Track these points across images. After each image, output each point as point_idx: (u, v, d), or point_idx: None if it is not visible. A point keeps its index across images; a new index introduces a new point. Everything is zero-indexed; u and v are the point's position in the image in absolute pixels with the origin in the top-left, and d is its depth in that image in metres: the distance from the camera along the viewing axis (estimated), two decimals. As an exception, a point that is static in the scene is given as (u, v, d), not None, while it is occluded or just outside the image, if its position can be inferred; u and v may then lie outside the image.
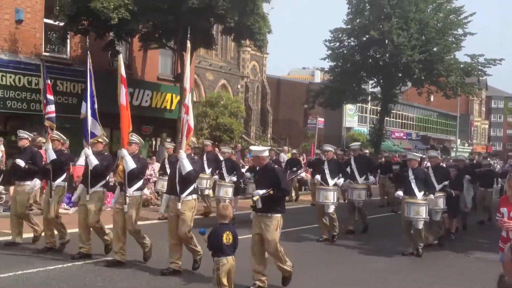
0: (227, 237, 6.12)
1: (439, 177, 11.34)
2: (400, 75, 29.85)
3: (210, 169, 14.10)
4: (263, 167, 7.69)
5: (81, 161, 16.11)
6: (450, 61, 28.83)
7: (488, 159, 21.16)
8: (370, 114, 49.29)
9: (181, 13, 17.75)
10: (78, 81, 19.32)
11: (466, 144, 67.95)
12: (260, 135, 40.30)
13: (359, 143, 14.46)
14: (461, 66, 29.32)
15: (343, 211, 12.71)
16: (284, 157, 21.07)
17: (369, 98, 33.76)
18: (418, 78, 28.77)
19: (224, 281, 6.12)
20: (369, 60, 29.53)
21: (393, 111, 36.90)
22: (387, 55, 27.25)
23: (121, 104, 9.09)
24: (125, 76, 9.13)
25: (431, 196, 10.23)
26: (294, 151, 21.68)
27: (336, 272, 9.01)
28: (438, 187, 11.13)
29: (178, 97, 21.11)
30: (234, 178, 13.61)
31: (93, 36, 17.82)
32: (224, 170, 13.64)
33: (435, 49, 27.82)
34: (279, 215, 7.37)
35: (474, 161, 19.92)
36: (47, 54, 18.57)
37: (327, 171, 11.64)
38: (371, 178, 13.67)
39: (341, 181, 11.88)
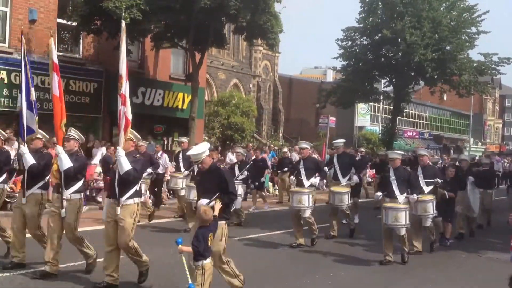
0: (210, 239, 5.88)
1: (429, 178, 10.59)
2: (412, 74, 29.68)
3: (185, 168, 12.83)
4: (207, 169, 6.68)
5: (95, 160, 16.27)
6: (463, 60, 28.59)
7: (494, 158, 20.75)
8: (382, 113, 49.07)
9: (193, 12, 17.82)
10: (91, 80, 19.52)
11: (480, 144, 67.34)
12: (272, 134, 40.29)
13: (343, 140, 12.96)
14: (474, 64, 29.07)
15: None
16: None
17: (382, 97, 33.60)
18: (431, 77, 28.60)
19: (208, 285, 5.86)
20: (381, 59, 29.40)
21: (405, 110, 36.68)
22: (400, 54, 27.12)
23: (54, 95, 7.80)
24: (57, 63, 7.90)
25: (414, 196, 9.49)
26: (285, 149, 20.50)
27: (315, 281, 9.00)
28: (427, 189, 10.46)
29: (190, 96, 21.18)
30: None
31: (105, 35, 17.95)
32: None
33: (448, 47, 27.62)
34: (223, 222, 6.49)
35: (475, 160, 19.19)
36: (60, 53, 18.68)
37: (302, 171, 10.73)
38: (355, 177, 12.18)
39: (317, 180, 10.98)
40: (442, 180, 10.71)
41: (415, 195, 9.51)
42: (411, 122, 56.17)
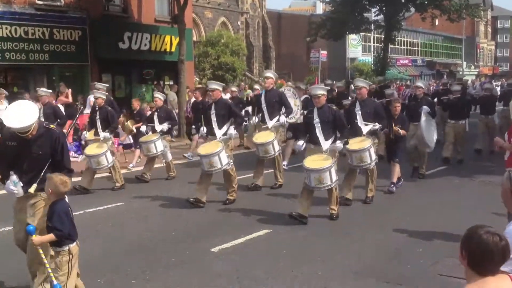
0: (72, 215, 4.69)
1: (368, 116, 8.82)
2: (402, 0, 29.14)
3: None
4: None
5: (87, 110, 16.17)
6: (454, -17, 28.06)
7: (470, 84, 19.54)
8: (374, 43, 48.46)
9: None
10: (75, 28, 19.05)
11: (472, 67, 67.12)
12: (264, 71, 39.91)
13: (274, 74, 10.88)
14: (465, -13, 28.56)
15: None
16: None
17: (372, 26, 33.18)
18: (421, 3, 28.19)
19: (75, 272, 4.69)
20: (370, -13, 28.81)
21: (397, 38, 36.26)
22: (389, -20, 26.54)
23: None
24: None
25: (339, 144, 7.98)
26: (234, 88, 17.82)
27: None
28: (365, 129, 8.72)
29: (177, 39, 20.79)
30: (165, 127, 11.34)
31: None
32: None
33: (437, -30, 27.02)
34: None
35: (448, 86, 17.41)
36: (40, 2, 18.21)
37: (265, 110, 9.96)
38: (282, 118, 10.06)
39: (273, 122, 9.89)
40: (380, 126, 8.86)
41: (338, 142, 7.96)
42: (404, 50, 55.65)
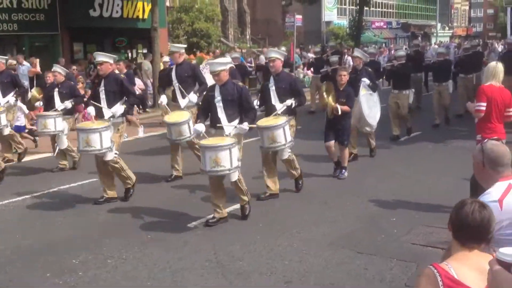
0: None
1: (283, 92, 7.62)
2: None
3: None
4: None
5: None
6: None
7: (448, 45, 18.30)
8: (349, 6, 48.19)
9: None
10: (44, -4, 18.54)
11: (447, 28, 67.32)
12: (239, 36, 39.48)
13: (181, 46, 9.55)
14: None
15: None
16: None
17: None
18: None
19: None
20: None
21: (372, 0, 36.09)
22: None
23: None
24: None
25: (244, 126, 6.73)
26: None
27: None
28: (279, 106, 7.49)
29: (150, 5, 20.36)
30: (68, 105, 9.64)
31: None
32: None
33: None
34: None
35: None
36: (7, -31, 17.61)
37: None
38: (192, 96, 8.78)
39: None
40: (295, 102, 7.55)
41: (246, 123, 6.75)
42: (378, 12, 55.43)
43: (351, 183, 8.52)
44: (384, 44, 39.31)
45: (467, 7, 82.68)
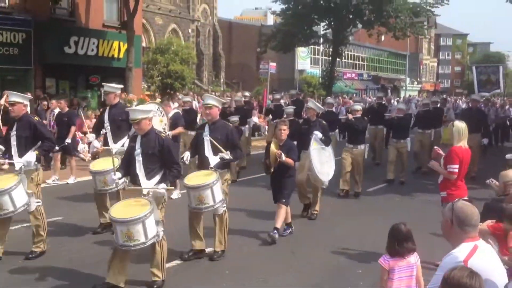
0: None
1: (218, 142, 6.92)
2: (350, 16, 29.94)
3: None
4: None
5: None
6: (399, 2, 29.04)
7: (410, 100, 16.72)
8: (322, 56, 49.41)
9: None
10: (19, 30, 18.51)
11: (416, 83, 69.41)
12: (213, 80, 39.92)
13: (117, 87, 8.67)
14: (410, 6, 29.62)
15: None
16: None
17: (321, 40, 33.79)
18: (368, 20, 29.02)
19: None
20: (320, 1, 29.38)
21: (344, 52, 37.11)
22: (338, -4, 27.19)
23: None
24: None
25: (161, 188, 5.87)
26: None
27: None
28: (214, 160, 6.86)
29: (126, 45, 20.51)
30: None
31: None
32: None
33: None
34: None
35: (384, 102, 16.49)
36: (-17, 3, 17.59)
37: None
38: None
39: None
40: (230, 157, 6.89)
41: (162, 185, 5.91)
42: (350, 64, 56.94)
43: (319, 232, 8.53)
44: (354, 95, 40.20)
45: (435, 64, 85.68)
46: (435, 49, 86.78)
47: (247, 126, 14.56)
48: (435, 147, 7.37)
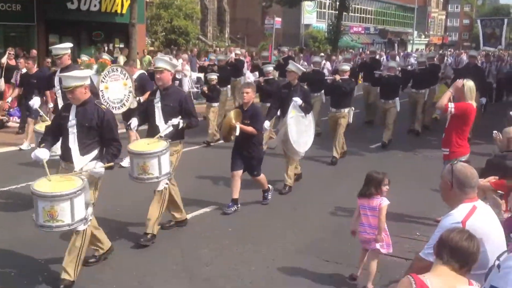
0: None
1: (170, 112, 6.32)
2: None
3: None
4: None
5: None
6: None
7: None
8: (328, 10, 48.53)
9: None
10: (21, -14, 18.27)
11: (423, 36, 68.29)
12: (218, 35, 39.46)
13: (66, 47, 7.67)
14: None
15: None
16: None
17: (327, -7, 33.13)
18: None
19: None
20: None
21: (351, 5, 36.42)
22: None
23: None
24: None
25: (98, 168, 5.11)
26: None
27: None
28: (163, 128, 6.22)
29: (129, 0, 20.24)
30: None
31: None
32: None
33: None
34: None
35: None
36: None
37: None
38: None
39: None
40: (182, 121, 6.27)
41: (99, 164, 5.15)
42: (357, 17, 55.96)
43: (319, 191, 8.59)
44: (360, 49, 39.66)
45: (444, 17, 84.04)
46: (443, 2, 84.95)
47: (229, 86, 13.91)
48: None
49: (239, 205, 7.38)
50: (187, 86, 17.66)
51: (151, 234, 6.06)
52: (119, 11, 21.97)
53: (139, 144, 6.13)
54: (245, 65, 17.54)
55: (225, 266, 5.59)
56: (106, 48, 22.48)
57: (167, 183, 6.18)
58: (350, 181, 9.20)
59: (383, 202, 5.25)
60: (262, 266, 5.60)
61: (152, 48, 25.02)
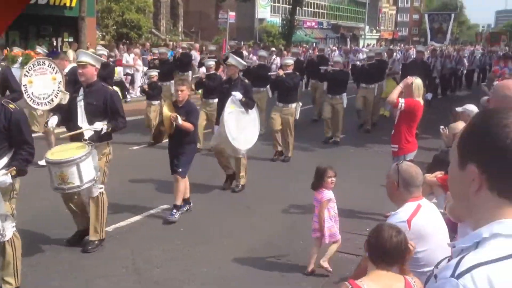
0: None
1: (94, 108, 5.83)
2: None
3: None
4: None
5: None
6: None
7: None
8: (282, 4, 48.74)
9: None
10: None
11: (374, 31, 69.59)
12: (171, 29, 39.01)
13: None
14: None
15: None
16: (196, 55, 20.03)
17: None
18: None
19: None
20: None
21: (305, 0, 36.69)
22: None
23: None
24: None
25: (4, 177, 4.50)
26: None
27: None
28: (87, 131, 5.68)
29: (78, -7, 19.75)
30: None
31: None
32: None
33: None
34: None
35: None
36: None
37: None
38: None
39: None
40: (107, 125, 5.75)
41: (4, 171, 4.54)
42: (311, 12, 56.46)
43: (272, 189, 8.56)
44: (314, 44, 39.99)
45: (394, 12, 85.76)
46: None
47: (172, 81, 13.35)
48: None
49: (191, 204, 7.23)
50: (139, 81, 17.39)
51: (97, 240, 5.84)
52: (68, 4, 21.42)
53: (56, 151, 5.65)
54: (198, 59, 17.33)
55: (177, 268, 5.52)
56: (55, 43, 21.94)
57: (101, 187, 5.80)
58: (302, 177, 9.28)
59: (324, 196, 5.44)
60: (214, 267, 5.55)
61: (103, 42, 24.49)
